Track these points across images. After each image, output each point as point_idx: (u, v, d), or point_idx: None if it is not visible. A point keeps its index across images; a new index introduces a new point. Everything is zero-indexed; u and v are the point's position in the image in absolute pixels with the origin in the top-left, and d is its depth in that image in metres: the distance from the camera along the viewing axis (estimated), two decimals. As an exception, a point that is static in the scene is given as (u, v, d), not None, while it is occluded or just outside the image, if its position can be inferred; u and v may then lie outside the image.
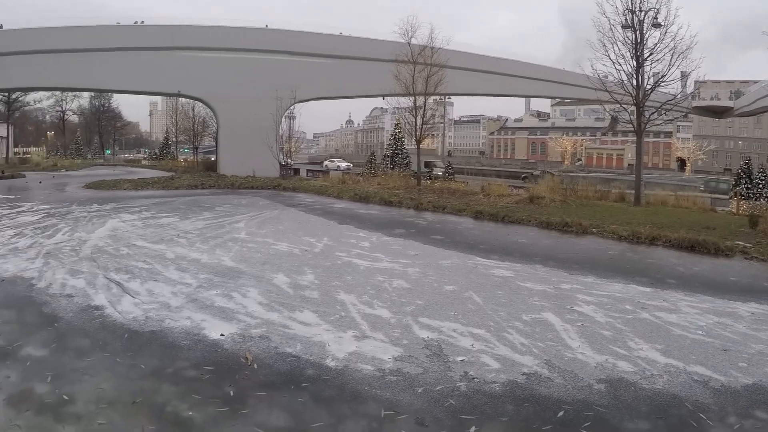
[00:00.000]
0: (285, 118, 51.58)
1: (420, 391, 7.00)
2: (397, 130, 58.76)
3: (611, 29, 28.86)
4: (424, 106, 38.55)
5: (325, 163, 67.38)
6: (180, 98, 73.11)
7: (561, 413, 6.52)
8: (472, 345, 8.52)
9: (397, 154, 58.94)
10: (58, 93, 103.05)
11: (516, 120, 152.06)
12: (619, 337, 9.02)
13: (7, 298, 11.32)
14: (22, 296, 11.44)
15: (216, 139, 61.95)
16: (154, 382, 7.20)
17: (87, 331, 9.20)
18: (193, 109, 76.04)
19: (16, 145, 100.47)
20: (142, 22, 52.04)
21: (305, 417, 6.33)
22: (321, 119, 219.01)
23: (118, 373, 7.49)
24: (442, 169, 57.05)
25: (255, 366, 7.66)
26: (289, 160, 52.48)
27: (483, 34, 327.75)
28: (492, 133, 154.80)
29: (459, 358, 8.01)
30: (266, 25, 52.52)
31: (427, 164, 53.37)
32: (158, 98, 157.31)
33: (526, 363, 7.89)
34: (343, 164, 60.34)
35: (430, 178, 43.77)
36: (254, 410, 6.45)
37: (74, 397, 6.80)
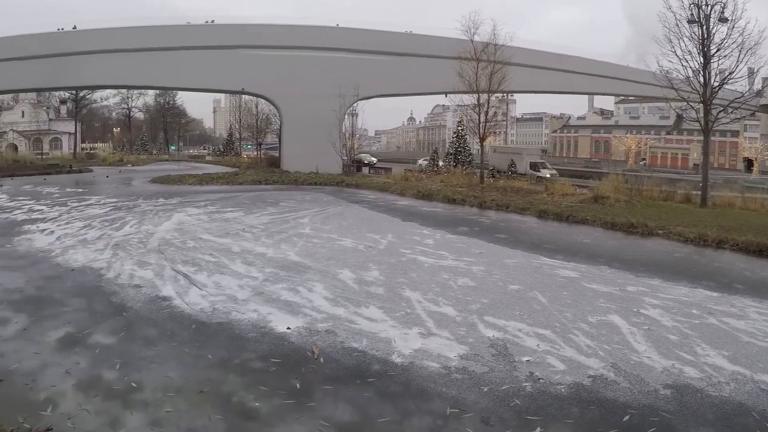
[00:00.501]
0: (348, 115, 51.81)
1: (485, 390, 6.97)
2: (459, 128, 57.93)
3: (677, 24, 27.91)
4: (488, 103, 38.14)
5: (420, 161, 65.07)
6: (244, 95, 74.08)
7: (626, 417, 6.40)
8: (538, 345, 8.43)
9: (460, 151, 58.27)
10: (124, 91, 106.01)
11: (579, 118, 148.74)
12: (685, 342, 8.79)
13: (76, 287, 11.74)
14: (92, 286, 11.87)
15: (279, 136, 62.58)
16: (221, 373, 7.35)
17: (155, 321, 9.48)
18: (256, 106, 76.94)
19: (83, 141, 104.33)
20: (213, 21, 53.06)
21: (371, 412, 6.37)
22: (382, 116, 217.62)
23: (186, 363, 7.68)
24: (552, 171, 50.64)
25: (321, 360, 7.75)
26: (371, 159, 52.47)
27: (544, 29, 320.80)
28: (555, 131, 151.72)
29: (524, 359, 7.93)
30: (337, 24, 52.91)
31: (533, 165, 49.99)
32: (221, 95, 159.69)
33: (592, 365, 7.77)
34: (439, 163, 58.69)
35: (494, 177, 42.67)
36: (320, 404, 6.52)
37: (142, 385, 6.99)
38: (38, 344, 8.49)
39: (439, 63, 47.43)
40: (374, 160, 68.81)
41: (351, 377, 7.21)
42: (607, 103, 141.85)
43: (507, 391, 6.94)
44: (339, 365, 7.58)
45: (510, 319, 9.57)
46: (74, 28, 51.40)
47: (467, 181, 37.76)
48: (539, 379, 7.30)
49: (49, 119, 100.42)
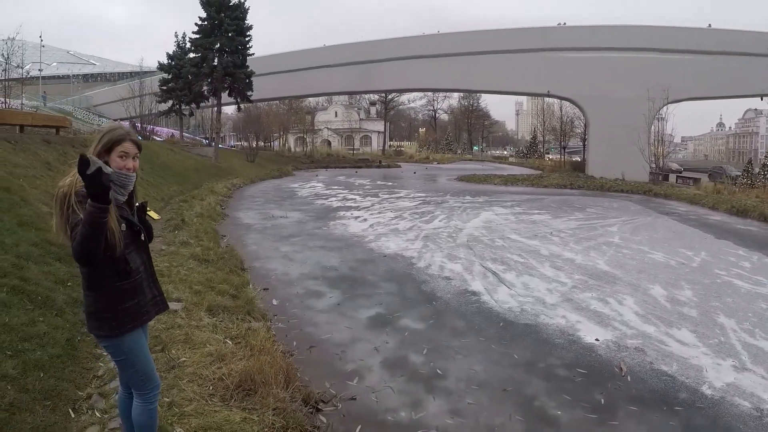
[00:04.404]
0: (655, 119, 49.58)
1: None
2: None
3: None
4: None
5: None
6: (546, 98, 74.35)
7: None
8: None
9: None
10: (429, 93, 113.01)
11: None
12: None
13: (388, 272, 12.63)
14: (403, 272, 12.65)
15: (584, 140, 61.97)
16: (525, 374, 7.29)
17: (463, 314, 9.72)
18: (560, 109, 76.74)
19: (390, 139, 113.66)
20: (564, 23, 54.06)
21: None
22: (687, 121, 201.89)
23: (491, 359, 7.73)
24: None
25: (628, 378, 7.33)
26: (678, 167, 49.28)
27: None
28: None
29: None
30: (696, 24, 50.83)
31: None
32: (523, 98, 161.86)
33: None
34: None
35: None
36: (623, 424, 6.14)
37: (447, 373, 7.18)
38: (350, 319, 9.22)
39: (754, 62, 44.57)
40: (681, 168, 64.83)
41: (657, 402, 6.72)
42: None
43: (821, 447, 6.02)
44: (646, 387, 7.11)
45: (831, 366, 8.27)
46: (438, 32, 56.16)
47: (788, 197, 33.69)
48: None
49: (360, 119, 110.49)
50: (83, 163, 3.08)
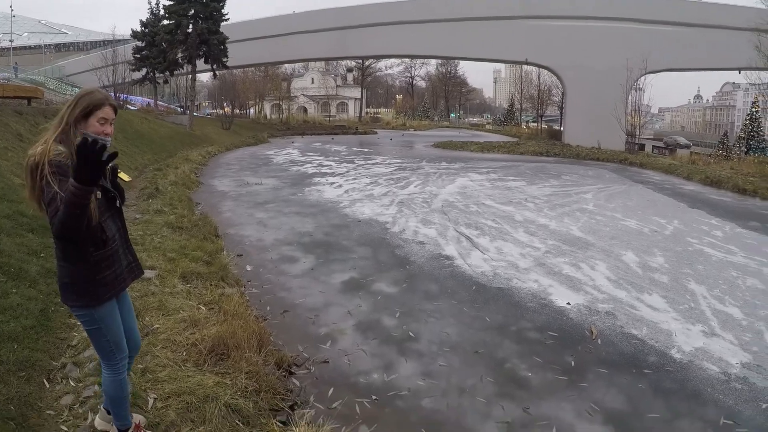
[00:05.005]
0: (632, 89, 49.84)
1: (765, 407, 6.08)
2: (753, 110, 51.93)
3: None
4: (790, 82, 33.85)
5: None
6: (524, 66, 74.32)
7: None
8: (831, 370, 7.31)
9: (753, 136, 52.42)
10: (407, 60, 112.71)
11: None
12: None
13: (362, 237, 12.69)
14: (377, 237, 12.70)
15: (561, 108, 62.16)
16: (496, 337, 7.37)
17: (436, 278, 9.80)
18: (538, 77, 76.84)
19: (367, 106, 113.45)
20: None
21: (642, 405, 5.93)
22: (665, 92, 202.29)
23: (463, 322, 7.81)
24: None
25: (599, 341, 7.43)
26: (686, 141, 49.56)
27: None
28: None
29: (811, 380, 6.92)
30: None
31: None
32: (502, 66, 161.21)
33: None
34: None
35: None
36: (593, 386, 6.23)
37: (419, 336, 7.26)
38: (323, 284, 9.28)
39: (733, 35, 44.74)
40: (690, 143, 64.67)
41: (627, 365, 6.82)
42: None
43: (787, 413, 6.14)
44: (616, 350, 7.22)
45: (801, 333, 8.41)
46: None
47: (760, 170, 34.00)
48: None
49: (337, 86, 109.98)
50: (99, 149, 2.92)
